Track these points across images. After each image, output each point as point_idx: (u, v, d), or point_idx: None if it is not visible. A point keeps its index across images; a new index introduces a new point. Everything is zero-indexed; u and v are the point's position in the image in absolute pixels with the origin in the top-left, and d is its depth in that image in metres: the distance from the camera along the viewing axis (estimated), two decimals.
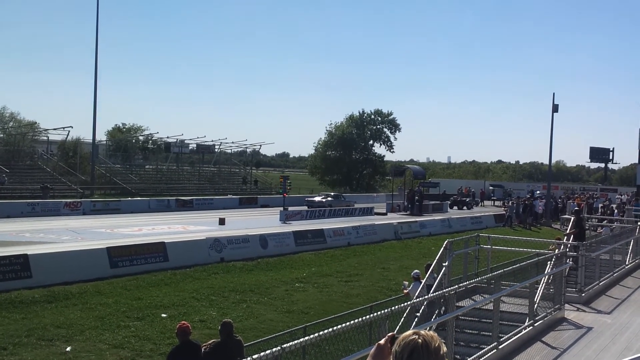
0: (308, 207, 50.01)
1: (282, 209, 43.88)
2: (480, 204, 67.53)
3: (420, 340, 2.62)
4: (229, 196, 60.93)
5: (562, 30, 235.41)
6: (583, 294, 15.66)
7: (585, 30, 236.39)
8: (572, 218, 20.69)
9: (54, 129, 63.20)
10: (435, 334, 2.71)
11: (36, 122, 70.46)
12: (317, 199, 54.74)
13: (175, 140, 73.53)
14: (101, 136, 76.82)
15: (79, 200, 46.76)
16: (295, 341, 6.50)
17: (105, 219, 39.41)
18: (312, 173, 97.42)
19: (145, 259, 22.71)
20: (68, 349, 13.65)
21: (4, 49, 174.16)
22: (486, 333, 11.03)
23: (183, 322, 9.89)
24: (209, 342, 10.17)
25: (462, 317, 11.25)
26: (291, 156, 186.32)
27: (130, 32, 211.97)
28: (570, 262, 15.37)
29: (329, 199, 54.77)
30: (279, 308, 17.85)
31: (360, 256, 29.20)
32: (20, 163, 58.80)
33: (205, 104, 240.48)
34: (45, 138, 65.07)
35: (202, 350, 9.60)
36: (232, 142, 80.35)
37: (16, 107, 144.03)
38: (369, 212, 49.89)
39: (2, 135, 65.04)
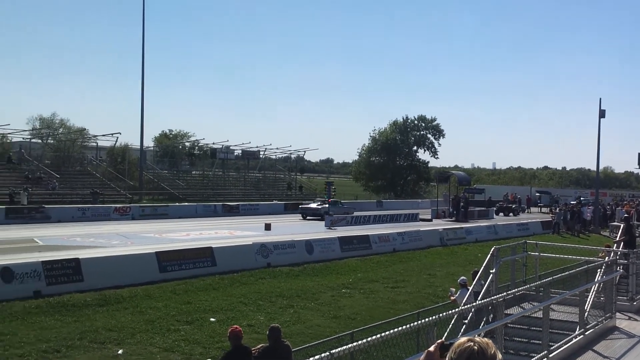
0: (302, 216, 49.23)
1: (327, 214, 44.01)
2: (526, 211, 66.82)
3: (476, 347, 2.60)
4: (274, 202, 61.43)
5: (608, 34, 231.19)
6: (634, 302, 15.42)
7: (631, 34, 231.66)
8: (622, 225, 20.36)
9: (103, 135, 64.57)
10: (490, 341, 2.69)
11: (85, 129, 72.03)
12: (313, 205, 51.62)
13: (220, 146, 74.33)
14: (149, 142, 78.03)
15: (128, 205, 47.65)
16: (344, 347, 6.56)
17: (154, 224, 40.11)
18: (356, 179, 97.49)
19: (193, 263, 22.99)
20: (120, 352, 13.86)
21: (54, 55, 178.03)
22: (536, 341, 10.96)
23: (235, 326, 9.97)
24: (258, 346, 10.25)
25: (511, 325, 11.19)
26: (335, 162, 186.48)
27: (175, 38, 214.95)
28: (621, 270, 15.15)
29: (326, 205, 50.89)
30: (325, 314, 17.91)
31: (406, 262, 29.14)
32: (70, 169, 60.00)
33: (251, 109, 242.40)
34: (95, 144, 66.31)
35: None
36: (277, 148, 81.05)
37: (66, 114, 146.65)
38: (414, 218, 49.84)
39: (52, 141, 66.44)
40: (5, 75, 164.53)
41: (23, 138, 60.93)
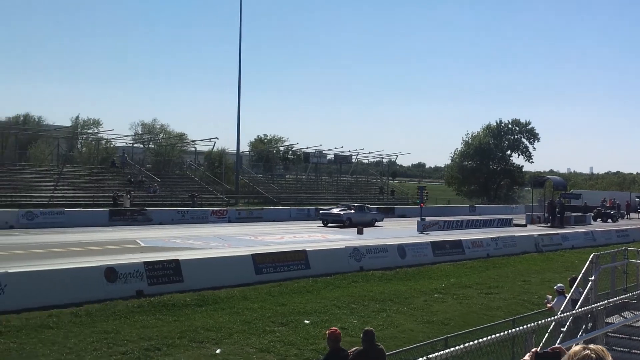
0: (323, 223, 44.65)
1: (419, 219, 43.86)
2: (626, 217, 64.52)
3: (593, 355, 2.58)
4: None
5: None
6: None
7: None
8: None
9: (201, 140, 66.10)
10: (605, 348, 2.66)
11: (184, 134, 74.08)
12: (335, 211, 45.78)
13: (313, 150, 75.14)
14: (244, 147, 79.66)
15: (224, 208, 48.88)
16: (440, 352, 6.62)
17: (250, 227, 41.05)
18: (449, 183, 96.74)
19: (288, 266, 23.39)
20: (218, 351, 14.17)
21: (154, 61, 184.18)
22: (637, 351, 10.70)
23: (334, 328, 10.03)
24: (352, 349, 10.33)
25: (612, 334, 10.96)
26: (427, 166, 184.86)
27: (269, 42, 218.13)
28: None
29: (350, 211, 45.30)
30: (418, 318, 17.88)
31: (499, 268, 28.74)
32: (170, 172, 61.94)
33: (343, 114, 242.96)
34: (193, 149, 68.19)
35: None
36: (369, 153, 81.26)
37: (166, 119, 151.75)
38: (507, 223, 49.02)
39: (153, 146, 68.73)
40: (109, 79, 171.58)
41: (126, 143, 63.34)
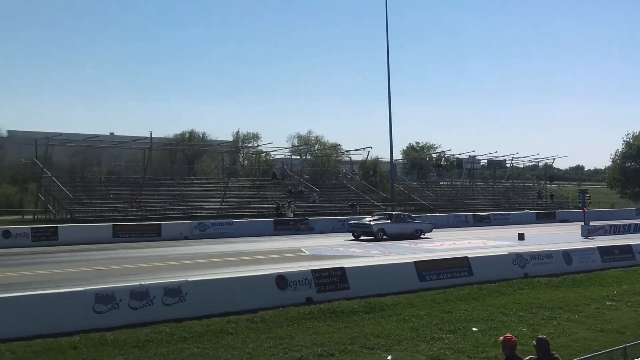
0: (353, 235, 39.25)
1: (582, 223, 42.40)
2: None
3: None
4: (525, 211, 60.27)
5: None
6: None
7: None
8: None
9: (355, 150, 67.45)
10: None
11: (339, 144, 75.65)
12: (365, 220, 40.14)
13: (466, 156, 74.38)
14: (397, 155, 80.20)
15: None
16: None
17: None
18: (611, 186, 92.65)
19: (450, 273, 23.37)
20: (389, 357, 14.35)
21: (307, 76, 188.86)
22: None
23: (510, 335, 10.05)
24: (526, 358, 10.24)
25: None
26: (586, 169, 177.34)
27: (418, 52, 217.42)
28: None
29: (386, 221, 39.38)
30: (591, 327, 17.37)
31: None
32: (327, 182, 63.47)
33: (496, 119, 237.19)
34: (348, 158, 69.50)
35: None
36: (524, 157, 79.69)
37: (320, 131, 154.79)
38: None
39: (310, 157, 70.70)
40: (265, 94, 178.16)
41: (284, 155, 65.69)
